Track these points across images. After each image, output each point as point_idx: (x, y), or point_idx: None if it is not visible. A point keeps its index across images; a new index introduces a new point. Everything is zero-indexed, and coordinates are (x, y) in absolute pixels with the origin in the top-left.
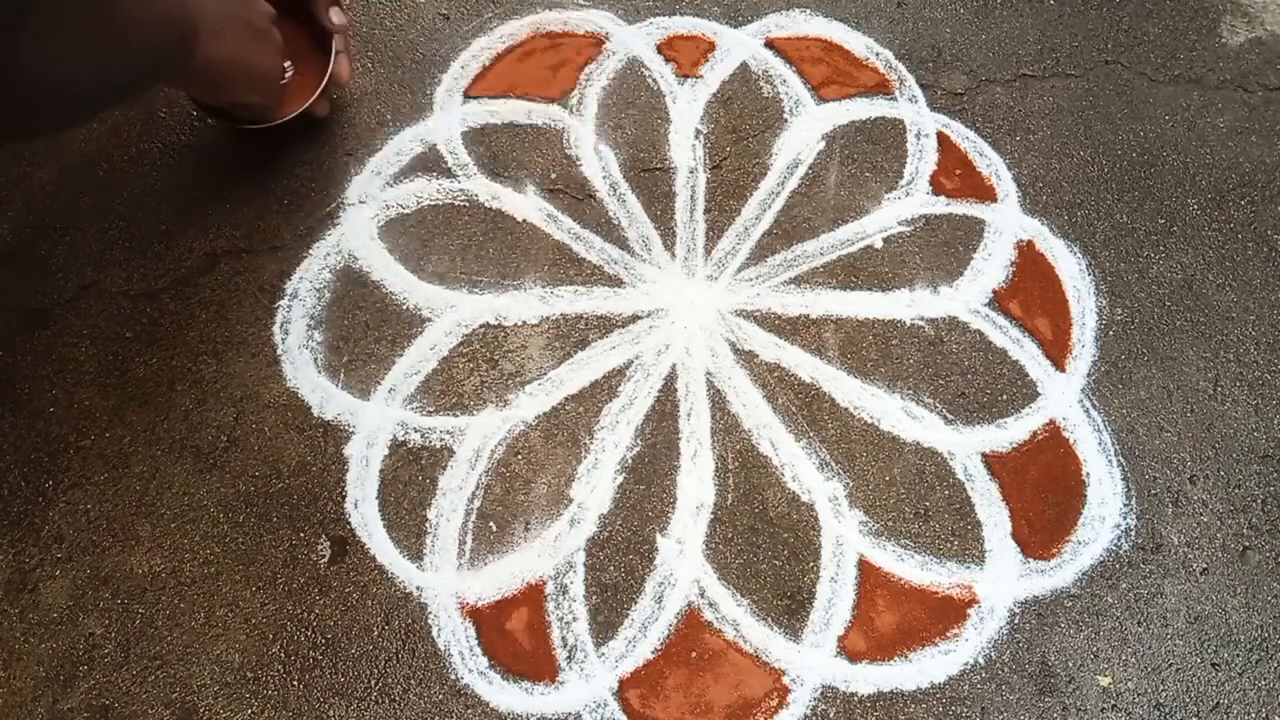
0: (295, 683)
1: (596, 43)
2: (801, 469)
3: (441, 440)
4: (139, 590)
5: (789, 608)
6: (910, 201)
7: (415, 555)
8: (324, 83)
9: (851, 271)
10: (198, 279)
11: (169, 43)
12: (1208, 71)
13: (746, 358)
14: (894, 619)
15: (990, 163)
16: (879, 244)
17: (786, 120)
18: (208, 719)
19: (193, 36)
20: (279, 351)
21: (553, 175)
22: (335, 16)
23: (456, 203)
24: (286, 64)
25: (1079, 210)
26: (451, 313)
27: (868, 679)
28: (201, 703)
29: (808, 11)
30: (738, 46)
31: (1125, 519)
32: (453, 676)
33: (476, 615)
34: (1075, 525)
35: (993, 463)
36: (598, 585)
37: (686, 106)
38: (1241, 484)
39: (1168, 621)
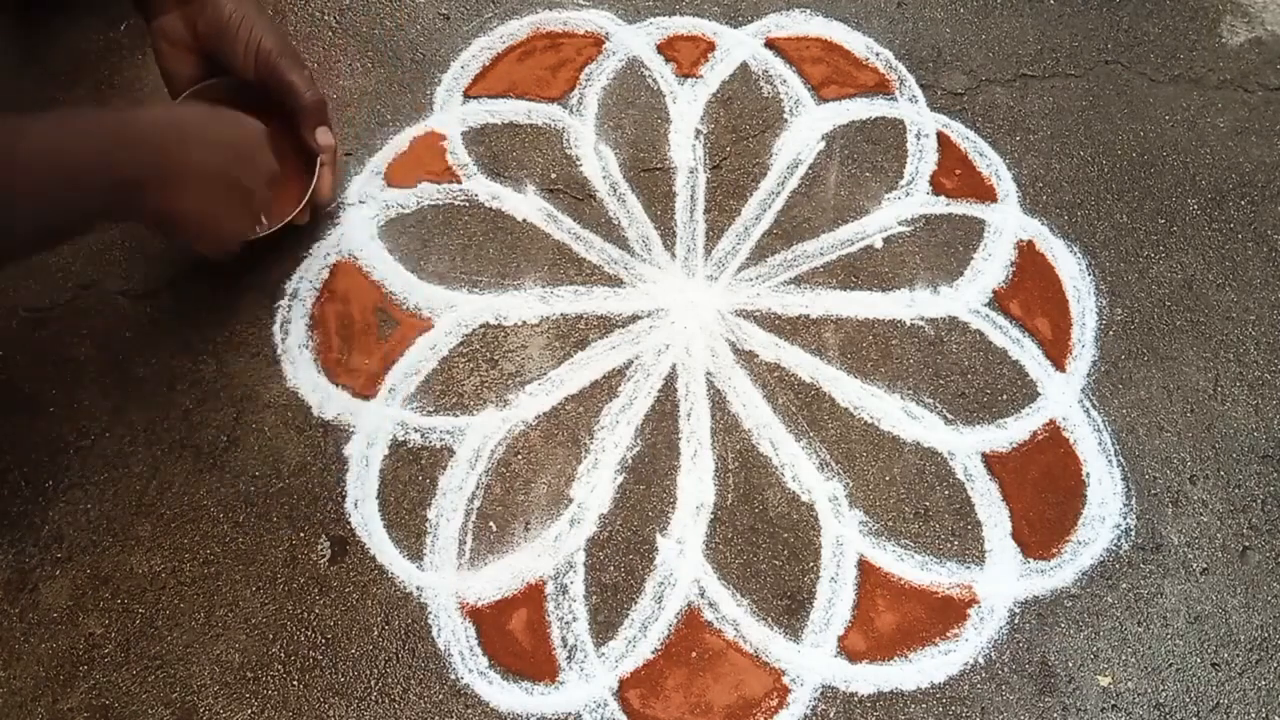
0: (295, 683)
1: (596, 43)
2: (801, 469)
3: (441, 440)
4: (139, 590)
5: (789, 608)
6: (910, 201)
7: (415, 555)
8: (306, 198)
9: (851, 271)
10: (198, 279)
11: (108, 192)
12: (1208, 71)
13: (746, 358)
14: (894, 619)
15: (990, 163)
16: (879, 244)
17: (786, 120)
18: (208, 719)
19: (139, 187)
20: (279, 351)
21: (553, 175)
22: (322, 137)
23: (456, 203)
24: (259, 225)
25: (1079, 210)
26: (451, 313)
27: (868, 679)
28: (201, 703)
29: (808, 11)
30: (738, 46)
31: (1125, 519)
32: (453, 676)
33: (476, 615)
34: (1075, 525)
35: (993, 463)
36: (598, 585)
37: (686, 106)
38: (1241, 484)
39: (1168, 621)
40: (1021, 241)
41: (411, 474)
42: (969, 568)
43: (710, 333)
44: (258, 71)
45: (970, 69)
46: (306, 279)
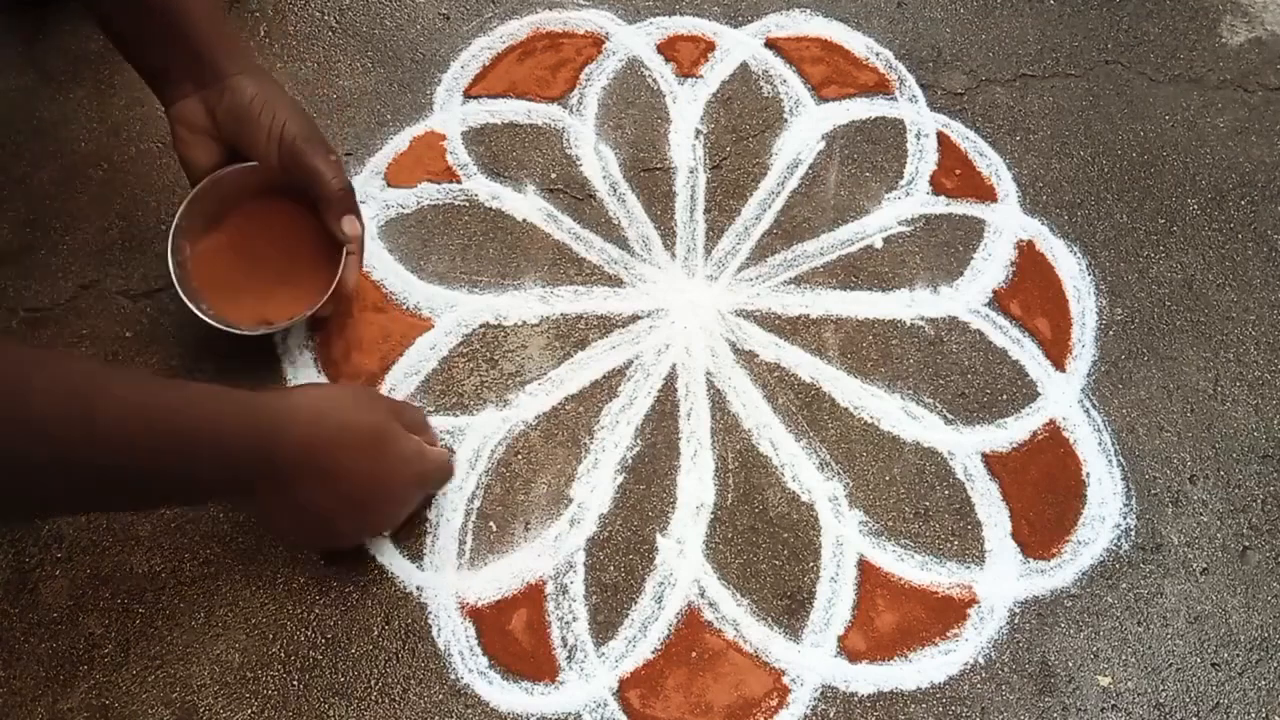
0: (295, 683)
1: (596, 43)
2: (801, 469)
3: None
4: (139, 590)
5: (789, 608)
6: (910, 201)
7: (415, 555)
8: (330, 289)
9: (851, 271)
10: None
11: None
12: (1208, 71)
13: (746, 358)
14: (894, 619)
15: (990, 163)
16: (879, 244)
17: (786, 120)
18: (208, 719)
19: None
20: (279, 351)
21: (553, 175)
22: (348, 227)
23: (456, 203)
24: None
25: (1079, 210)
26: (451, 312)
27: (868, 679)
28: (201, 702)
29: (808, 11)
30: (738, 46)
31: (1125, 519)
32: (453, 676)
33: (476, 615)
34: (1075, 525)
35: (993, 463)
36: (598, 585)
37: (686, 106)
38: (1241, 484)
39: (1168, 621)
40: (1021, 241)
41: None
42: (969, 568)
43: (710, 333)
44: (281, 158)
45: (970, 69)
46: None
